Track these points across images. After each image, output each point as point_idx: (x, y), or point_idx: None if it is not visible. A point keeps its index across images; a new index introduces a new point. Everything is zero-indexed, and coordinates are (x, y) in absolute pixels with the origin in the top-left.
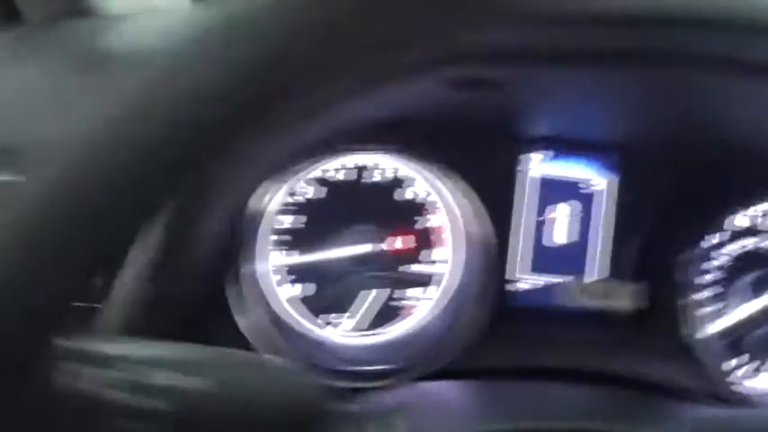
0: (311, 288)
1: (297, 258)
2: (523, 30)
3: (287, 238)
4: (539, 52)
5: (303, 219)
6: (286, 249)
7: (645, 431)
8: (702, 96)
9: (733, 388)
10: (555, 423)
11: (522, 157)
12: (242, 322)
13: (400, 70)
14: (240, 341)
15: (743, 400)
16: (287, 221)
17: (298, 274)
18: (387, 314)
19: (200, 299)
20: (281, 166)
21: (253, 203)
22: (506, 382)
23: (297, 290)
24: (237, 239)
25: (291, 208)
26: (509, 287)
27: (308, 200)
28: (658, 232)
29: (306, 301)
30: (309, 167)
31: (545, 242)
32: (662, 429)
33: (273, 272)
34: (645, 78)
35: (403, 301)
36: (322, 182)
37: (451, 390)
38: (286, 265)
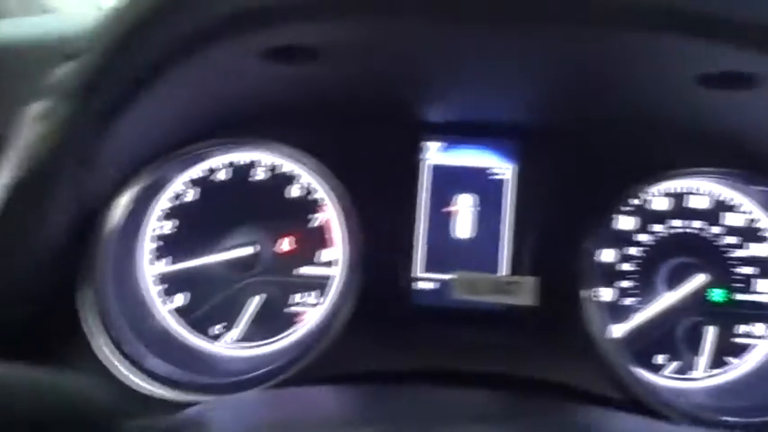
0: (186, 298)
1: (170, 267)
2: None
3: (160, 245)
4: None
5: (176, 223)
6: (158, 257)
7: None
8: (599, 62)
9: (646, 391)
10: (438, 428)
11: (419, 145)
12: (96, 340)
13: (203, 39)
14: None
15: (657, 406)
16: (166, 227)
17: (172, 283)
18: (278, 321)
19: (45, 314)
20: (135, 168)
21: (110, 209)
22: (397, 385)
23: (174, 300)
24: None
25: (169, 213)
26: (411, 286)
27: (184, 203)
28: (560, 222)
29: (184, 311)
30: (182, 167)
31: (448, 237)
32: None
33: (153, 282)
34: (537, 45)
35: (295, 307)
36: (200, 183)
37: (333, 394)
38: (160, 274)
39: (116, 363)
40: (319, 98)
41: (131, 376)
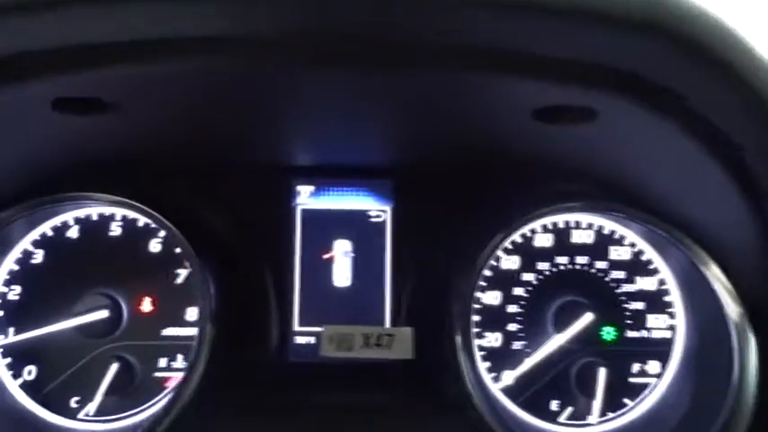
0: (36, 370)
1: (15, 337)
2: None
3: (5, 313)
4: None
5: (22, 288)
6: (2, 327)
7: None
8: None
9: None
10: None
11: (289, 190)
12: None
13: None
14: None
15: None
16: (11, 294)
17: (19, 355)
18: (143, 390)
19: None
20: None
21: None
22: None
23: (23, 373)
24: None
25: (15, 277)
26: (287, 341)
27: (31, 265)
28: (437, 265)
29: (35, 385)
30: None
31: (327, 286)
32: None
33: (2, 354)
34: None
35: (160, 373)
36: (48, 242)
37: None
38: (5, 346)
39: None
40: (150, 147)
41: None
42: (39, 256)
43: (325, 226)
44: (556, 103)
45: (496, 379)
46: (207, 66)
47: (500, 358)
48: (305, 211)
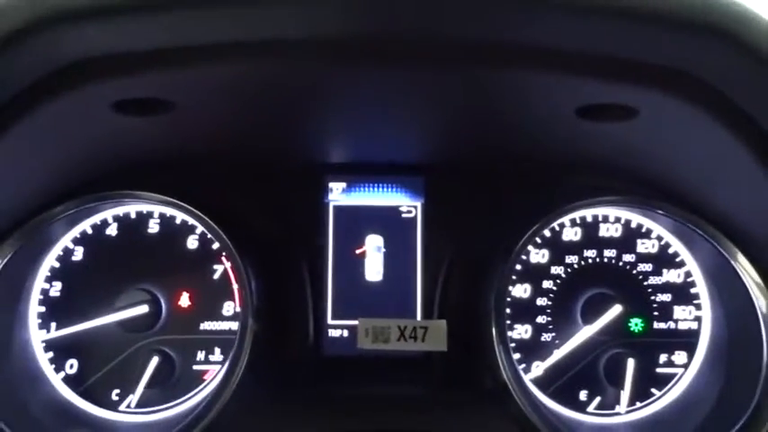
0: (78, 364)
1: (57, 332)
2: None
3: (47, 308)
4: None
5: (63, 285)
6: (45, 322)
7: None
8: (482, 100)
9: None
10: None
11: (322, 187)
12: None
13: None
14: None
15: None
16: (53, 290)
17: (61, 349)
18: (182, 383)
19: None
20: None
21: None
22: None
23: (66, 367)
24: None
25: (56, 273)
26: (321, 335)
27: (71, 262)
28: (469, 259)
29: (77, 379)
30: (68, 224)
31: (359, 281)
32: None
33: (44, 349)
34: (418, 87)
35: (199, 366)
36: (88, 240)
37: None
38: (43, 341)
39: None
40: (197, 148)
41: None
42: (79, 254)
43: (357, 222)
44: (601, 102)
45: (526, 370)
46: (270, 68)
47: (530, 350)
48: (337, 208)
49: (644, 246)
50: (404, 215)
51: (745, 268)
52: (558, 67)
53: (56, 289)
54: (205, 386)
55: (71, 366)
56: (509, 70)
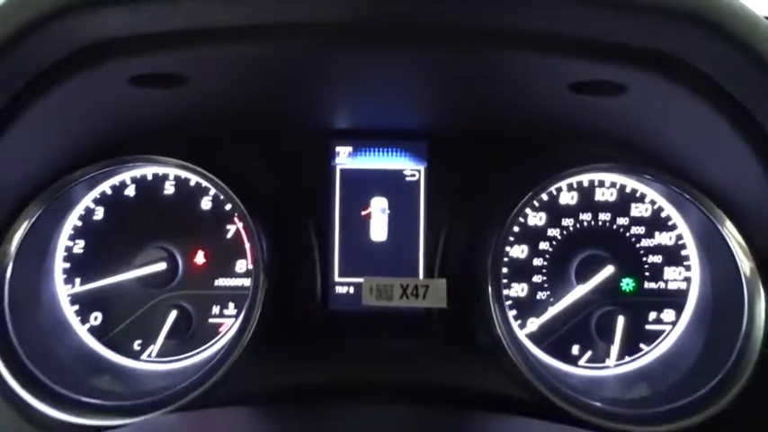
0: (102, 316)
1: (82, 287)
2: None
3: (72, 264)
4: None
5: (86, 242)
6: (70, 277)
7: None
8: (480, 75)
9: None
10: None
11: (329, 151)
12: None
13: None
14: None
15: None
16: (76, 247)
17: (86, 303)
18: (198, 335)
19: None
20: (34, 191)
21: (8, 233)
22: (308, 402)
23: (91, 319)
24: None
25: (79, 232)
26: (328, 292)
27: (93, 221)
28: (469, 221)
29: (101, 330)
30: (88, 186)
31: (364, 240)
32: None
33: (69, 302)
34: (422, 63)
35: (214, 319)
36: (107, 200)
37: (242, 416)
38: (69, 295)
39: (20, 389)
40: (210, 115)
41: (36, 402)
42: (100, 213)
43: (362, 184)
44: (591, 79)
45: (522, 326)
46: (282, 49)
47: (525, 307)
48: (343, 171)
49: (637, 210)
50: (407, 179)
51: (731, 233)
52: (550, 48)
53: (79, 246)
54: (220, 338)
55: (95, 318)
56: (507, 51)
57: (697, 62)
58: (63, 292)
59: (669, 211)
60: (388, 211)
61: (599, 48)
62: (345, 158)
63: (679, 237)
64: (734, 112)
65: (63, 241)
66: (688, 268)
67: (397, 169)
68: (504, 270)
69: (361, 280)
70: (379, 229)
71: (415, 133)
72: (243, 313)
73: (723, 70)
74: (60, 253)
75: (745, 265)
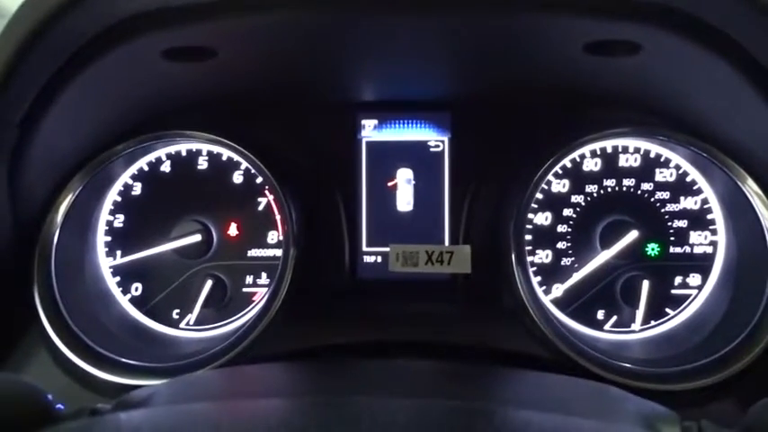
0: (142, 287)
1: (123, 259)
2: None
3: (113, 238)
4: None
5: (126, 216)
6: (111, 250)
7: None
8: (500, 40)
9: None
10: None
11: (355, 123)
12: (50, 332)
13: (104, 40)
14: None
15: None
16: (117, 221)
17: (127, 274)
18: (234, 303)
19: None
20: (76, 166)
21: (53, 207)
22: (337, 359)
23: (132, 290)
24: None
25: (119, 206)
26: (357, 260)
27: (132, 197)
28: (493, 189)
29: (141, 300)
30: (126, 162)
31: (391, 211)
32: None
33: (111, 274)
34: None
35: (248, 288)
36: (145, 176)
37: (274, 371)
38: (111, 267)
39: (69, 352)
40: (240, 89)
41: (83, 364)
42: (137, 189)
43: (388, 156)
44: (605, 38)
45: (547, 291)
46: (309, 19)
47: (550, 273)
48: (369, 143)
49: (662, 175)
50: (432, 149)
51: (753, 190)
52: (564, 7)
53: (119, 221)
54: (254, 306)
55: (136, 289)
56: (524, 14)
57: (708, 16)
58: (105, 264)
59: (694, 175)
60: (413, 182)
61: (610, 6)
62: (371, 131)
63: (704, 201)
64: (749, 68)
65: (104, 216)
66: (714, 232)
67: (422, 140)
68: (529, 237)
69: (388, 249)
70: (404, 200)
71: (438, 104)
72: (274, 282)
73: (734, 24)
74: (102, 227)
75: None
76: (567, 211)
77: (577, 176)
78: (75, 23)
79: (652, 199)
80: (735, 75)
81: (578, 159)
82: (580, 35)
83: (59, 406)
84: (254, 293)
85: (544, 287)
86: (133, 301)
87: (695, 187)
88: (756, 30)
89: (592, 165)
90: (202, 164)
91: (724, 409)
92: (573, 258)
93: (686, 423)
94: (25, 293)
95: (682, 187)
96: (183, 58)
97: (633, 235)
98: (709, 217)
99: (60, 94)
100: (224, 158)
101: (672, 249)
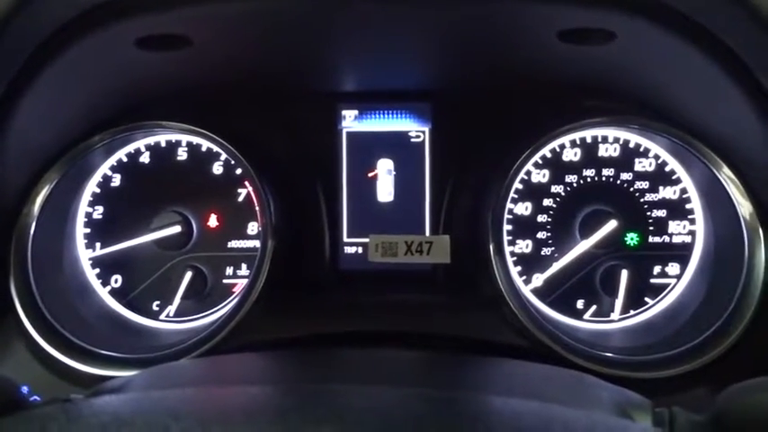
0: (121, 279)
1: (102, 251)
2: None
3: (92, 229)
4: None
5: (105, 208)
6: (90, 242)
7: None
8: (475, 29)
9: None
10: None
11: (335, 114)
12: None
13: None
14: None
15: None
16: (96, 213)
17: (106, 266)
18: (214, 295)
19: None
20: (53, 157)
21: (29, 198)
22: (316, 349)
23: (111, 282)
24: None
25: (97, 198)
26: (338, 251)
27: (111, 188)
28: (473, 180)
29: (121, 292)
30: (105, 153)
31: (372, 201)
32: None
33: (91, 265)
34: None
35: (229, 280)
36: (124, 167)
37: (253, 360)
38: (90, 259)
39: (45, 344)
40: (218, 78)
41: (60, 356)
42: (117, 180)
43: (368, 147)
44: (578, 26)
45: (527, 281)
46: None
47: (530, 263)
48: (350, 134)
49: (641, 164)
50: (412, 140)
51: (729, 177)
52: None
53: (98, 212)
54: (234, 298)
55: (116, 281)
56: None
57: (680, 5)
58: (84, 255)
59: (673, 165)
60: (394, 173)
61: None
62: (351, 122)
63: (683, 191)
64: (723, 56)
65: (83, 207)
66: (692, 222)
67: (403, 131)
68: (509, 227)
69: (366, 241)
70: (385, 190)
71: (418, 94)
72: (252, 273)
73: (707, 13)
74: (81, 218)
75: (744, 209)
76: (547, 201)
77: (557, 166)
78: (44, 9)
79: (631, 189)
80: (709, 63)
81: (558, 149)
82: (554, 23)
83: (34, 398)
84: (235, 285)
85: (524, 277)
86: (113, 292)
87: (674, 177)
88: (729, 19)
89: (571, 155)
90: (182, 155)
91: (698, 396)
92: (553, 248)
93: (658, 410)
94: (1, 284)
95: (661, 177)
96: (157, 47)
97: (612, 225)
98: (687, 206)
99: (33, 83)
100: (203, 149)
101: (651, 239)
